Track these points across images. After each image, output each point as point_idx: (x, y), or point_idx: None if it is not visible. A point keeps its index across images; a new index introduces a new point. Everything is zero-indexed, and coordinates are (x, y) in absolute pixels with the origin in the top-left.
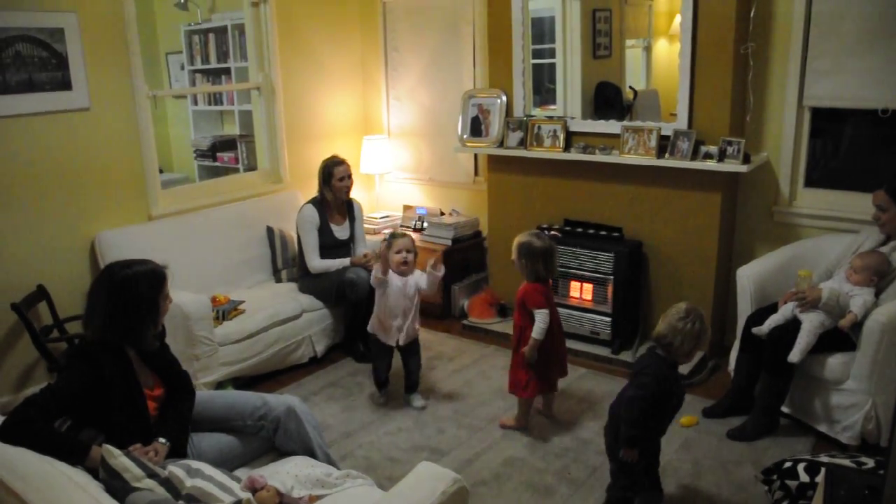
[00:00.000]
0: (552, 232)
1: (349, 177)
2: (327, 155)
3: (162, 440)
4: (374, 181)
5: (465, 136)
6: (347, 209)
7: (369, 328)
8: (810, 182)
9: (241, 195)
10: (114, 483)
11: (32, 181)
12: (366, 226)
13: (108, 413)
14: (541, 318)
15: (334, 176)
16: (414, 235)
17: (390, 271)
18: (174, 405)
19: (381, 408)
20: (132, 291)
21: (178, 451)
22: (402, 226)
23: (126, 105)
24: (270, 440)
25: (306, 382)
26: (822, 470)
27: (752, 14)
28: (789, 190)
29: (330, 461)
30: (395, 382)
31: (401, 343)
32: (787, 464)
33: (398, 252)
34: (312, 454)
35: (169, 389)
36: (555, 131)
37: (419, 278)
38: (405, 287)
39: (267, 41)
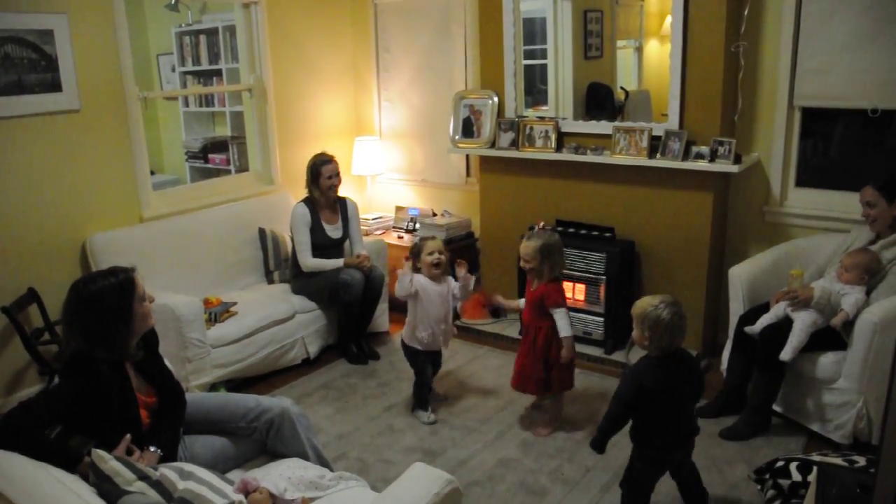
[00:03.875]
0: (544, 226)
1: (337, 175)
2: None
3: (153, 448)
4: (365, 182)
5: (456, 137)
6: (340, 208)
7: (407, 341)
8: (801, 182)
9: (233, 197)
10: (105, 487)
11: (22, 183)
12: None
13: (102, 421)
14: (561, 314)
15: (322, 174)
16: (406, 237)
17: (424, 279)
18: (166, 414)
19: (374, 409)
20: (100, 307)
21: (168, 459)
22: (394, 227)
23: (117, 107)
24: (263, 442)
25: (299, 384)
26: (815, 469)
27: (745, 13)
28: (780, 190)
29: (323, 462)
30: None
31: (444, 346)
32: (780, 463)
33: (430, 253)
34: (304, 456)
35: (161, 399)
36: (546, 132)
37: (453, 284)
38: (441, 290)
39: (258, 42)
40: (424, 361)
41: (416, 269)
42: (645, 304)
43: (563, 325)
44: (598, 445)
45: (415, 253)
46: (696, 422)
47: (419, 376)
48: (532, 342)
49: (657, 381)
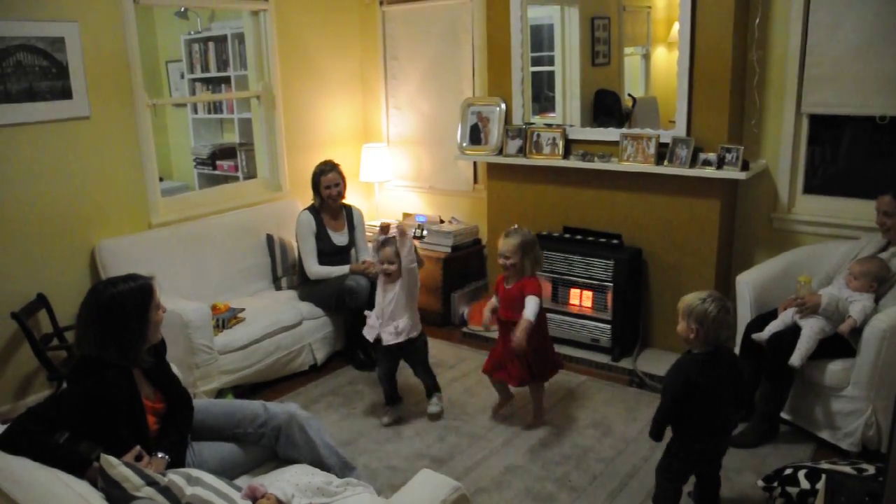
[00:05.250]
0: (518, 227)
1: (337, 184)
2: None
3: (161, 454)
4: (373, 189)
5: (464, 144)
6: (347, 216)
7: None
8: (809, 189)
9: (241, 203)
10: (113, 492)
11: (32, 189)
12: (367, 234)
13: (110, 427)
14: (533, 300)
15: (321, 183)
16: (415, 243)
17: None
18: (173, 420)
19: (381, 415)
20: (120, 310)
21: (176, 466)
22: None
23: (126, 113)
24: (271, 448)
25: (306, 391)
26: (823, 477)
27: (756, 22)
28: (788, 197)
29: (343, 462)
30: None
31: (383, 342)
32: (788, 471)
33: (381, 262)
34: (320, 459)
35: (169, 405)
36: (554, 139)
37: (397, 285)
38: (385, 291)
39: (267, 50)
40: (379, 356)
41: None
42: (692, 298)
43: (531, 309)
44: (656, 434)
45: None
46: (734, 415)
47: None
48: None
49: (702, 375)
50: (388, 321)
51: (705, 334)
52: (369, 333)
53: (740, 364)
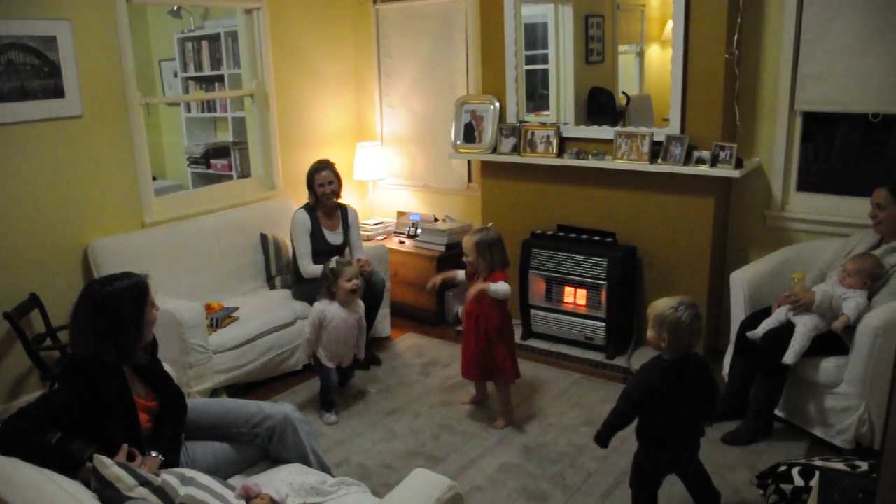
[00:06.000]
0: (491, 225)
1: (331, 182)
2: None
3: (154, 453)
4: (367, 188)
5: (458, 143)
6: (341, 215)
7: (317, 354)
8: (802, 186)
9: (235, 202)
10: (106, 493)
11: (25, 189)
12: (361, 233)
13: (102, 425)
14: (501, 284)
15: (315, 181)
16: (407, 242)
17: (335, 308)
18: (167, 419)
19: (375, 414)
20: (117, 308)
21: (170, 464)
22: (395, 232)
23: (119, 112)
24: (265, 448)
25: (300, 390)
26: (817, 473)
27: (738, 22)
28: (781, 194)
29: (324, 468)
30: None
31: (343, 365)
32: (782, 468)
33: (349, 280)
34: (306, 461)
35: (162, 403)
36: (548, 137)
37: (361, 308)
38: (349, 318)
39: (260, 48)
40: (327, 370)
41: (332, 295)
42: (663, 305)
43: (495, 286)
44: (602, 440)
45: (330, 279)
46: (702, 423)
47: (322, 382)
48: (475, 328)
49: (667, 382)
50: (352, 348)
51: (677, 343)
52: (343, 361)
53: (710, 371)
